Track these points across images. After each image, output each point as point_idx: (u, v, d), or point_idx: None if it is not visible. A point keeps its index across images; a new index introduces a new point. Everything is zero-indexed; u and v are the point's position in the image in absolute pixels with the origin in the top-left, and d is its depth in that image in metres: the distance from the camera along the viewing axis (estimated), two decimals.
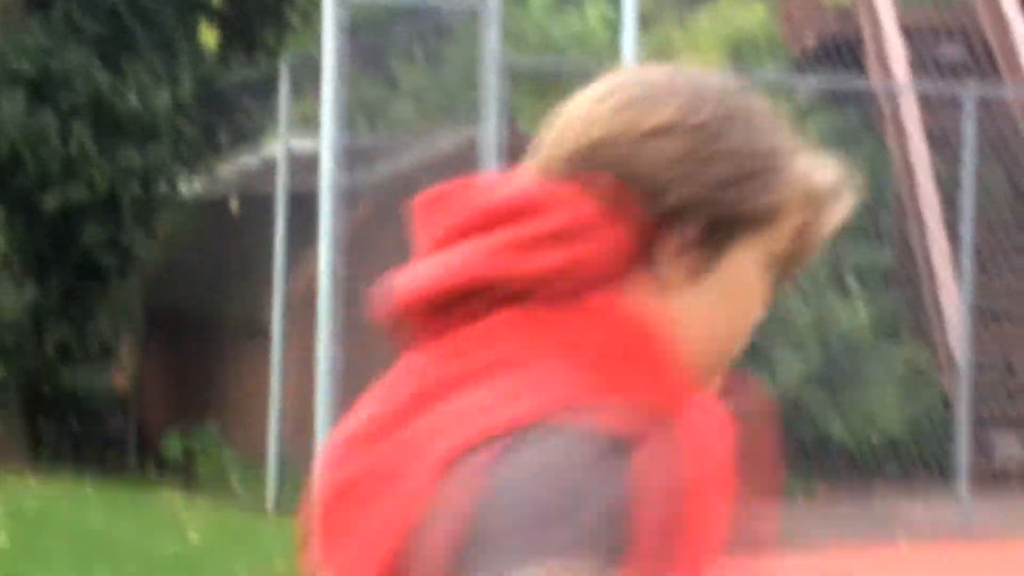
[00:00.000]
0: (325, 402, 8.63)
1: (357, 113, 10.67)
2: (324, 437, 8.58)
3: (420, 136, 12.54)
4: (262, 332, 11.43)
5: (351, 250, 8.84)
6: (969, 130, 10.86)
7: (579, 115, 1.19)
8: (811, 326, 12.35)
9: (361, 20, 11.19)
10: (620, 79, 1.23)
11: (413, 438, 1.07)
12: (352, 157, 9.41)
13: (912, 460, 12.21)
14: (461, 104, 10.41)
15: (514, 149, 8.63)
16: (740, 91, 1.22)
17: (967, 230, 10.87)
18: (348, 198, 9.09)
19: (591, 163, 1.15)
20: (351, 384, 8.00)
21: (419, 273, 1.15)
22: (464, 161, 8.77)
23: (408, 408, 1.09)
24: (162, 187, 12.69)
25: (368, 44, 12.92)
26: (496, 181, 1.22)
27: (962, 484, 10.84)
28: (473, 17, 9.46)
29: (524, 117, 11.21)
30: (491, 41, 8.86)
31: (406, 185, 8.85)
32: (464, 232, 1.14)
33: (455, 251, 1.13)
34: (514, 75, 13.49)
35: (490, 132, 8.76)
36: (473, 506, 1.00)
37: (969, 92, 11.24)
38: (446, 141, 11.16)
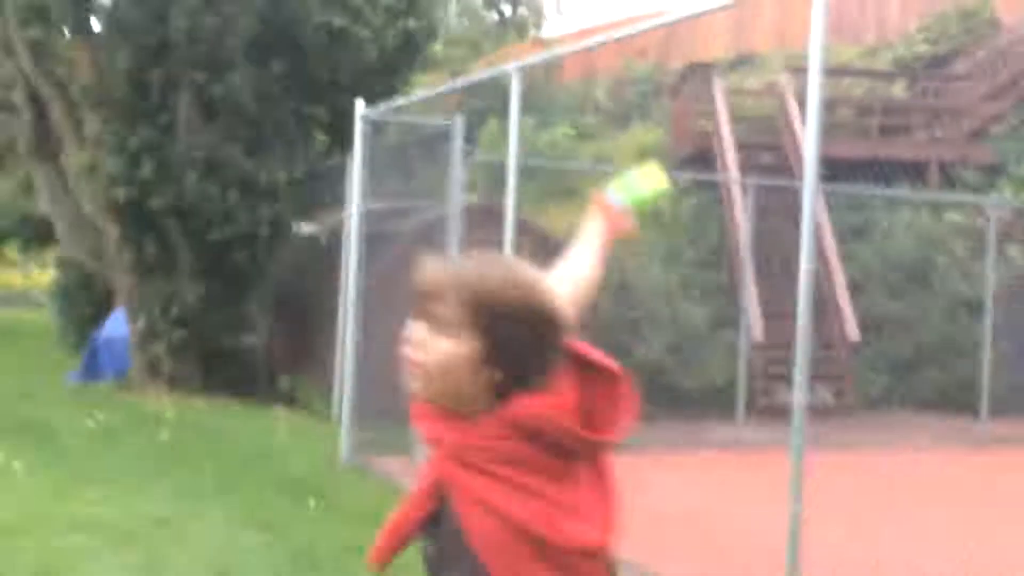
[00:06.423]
0: (351, 359, 10.13)
1: (379, 188, 11.40)
2: (351, 374, 10.27)
3: (417, 205, 13.65)
4: (335, 315, 12.46)
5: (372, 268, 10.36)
6: (751, 203, 14.70)
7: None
8: (670, 319, 14.69)
9: (385, 129, 12.69)
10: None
11: None
12: (377, 216, 10.75)
13: (728, 400, 13.98)
14: (440, 186, 10.59)
15: (471, 214, 10.27)
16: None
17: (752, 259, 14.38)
18: (371, 239, 10.26)
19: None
20: (370, 352, 10.05)
21: None
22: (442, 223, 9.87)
23: None
24: (283, 229, 14.27)
25: (388, 144, 13.68)
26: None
27: (740, 415, 13.75)
28: (447, 130, 10.28)
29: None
30: (456, 147, 9.93)
31: (412, 235, 12.08)
32: None
33: None
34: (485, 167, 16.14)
35: (454, 204, 9.73)
36: None
37: (751, 182, 14.79)
38: (431, 211, 12.08)
